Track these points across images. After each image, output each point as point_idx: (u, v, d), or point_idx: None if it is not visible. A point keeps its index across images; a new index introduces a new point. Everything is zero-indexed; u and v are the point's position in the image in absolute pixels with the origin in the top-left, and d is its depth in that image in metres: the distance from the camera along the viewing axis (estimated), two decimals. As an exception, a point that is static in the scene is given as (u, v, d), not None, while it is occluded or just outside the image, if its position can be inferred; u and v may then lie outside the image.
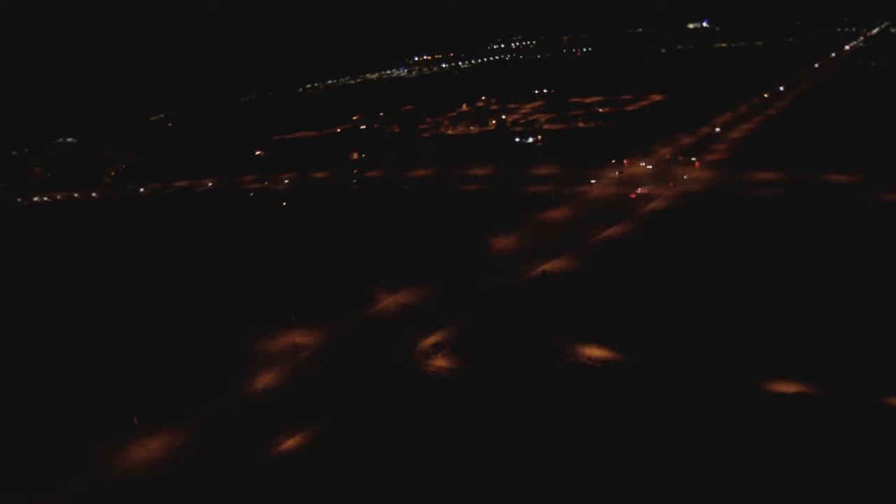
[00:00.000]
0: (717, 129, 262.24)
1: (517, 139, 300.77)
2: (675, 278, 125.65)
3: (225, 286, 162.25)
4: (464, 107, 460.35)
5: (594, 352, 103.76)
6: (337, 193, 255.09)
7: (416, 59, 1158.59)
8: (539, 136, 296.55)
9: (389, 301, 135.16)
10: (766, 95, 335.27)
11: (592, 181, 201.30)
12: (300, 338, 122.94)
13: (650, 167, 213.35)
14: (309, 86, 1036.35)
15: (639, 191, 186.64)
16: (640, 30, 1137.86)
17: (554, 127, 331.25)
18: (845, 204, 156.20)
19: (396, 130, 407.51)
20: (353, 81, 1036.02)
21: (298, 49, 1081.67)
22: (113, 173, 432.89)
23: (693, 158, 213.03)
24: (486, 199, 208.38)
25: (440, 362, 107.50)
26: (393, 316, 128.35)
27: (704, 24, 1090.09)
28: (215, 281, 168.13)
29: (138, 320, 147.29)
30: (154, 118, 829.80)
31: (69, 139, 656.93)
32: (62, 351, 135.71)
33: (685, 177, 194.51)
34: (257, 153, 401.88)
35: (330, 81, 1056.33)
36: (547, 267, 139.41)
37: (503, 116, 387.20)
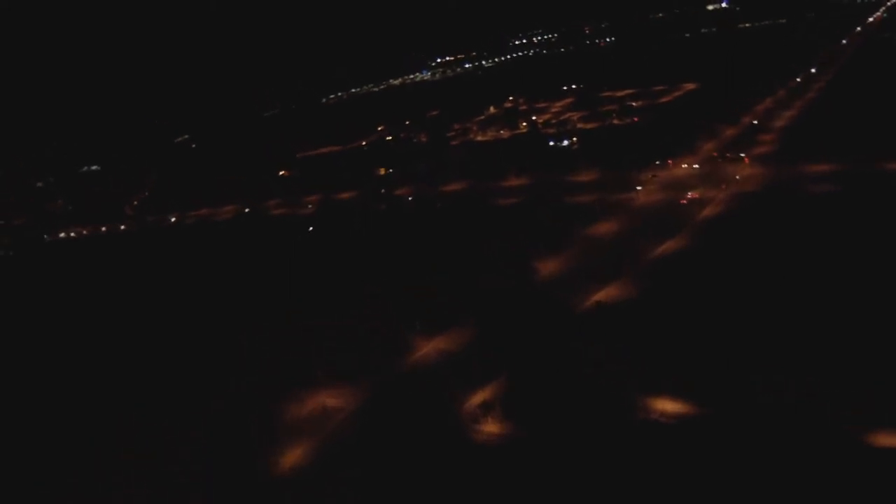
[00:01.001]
0: (759, 119, 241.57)
1: (551, 142, 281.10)
2: (748, 303, 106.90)
3: (245, 333, 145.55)
4: (491, 109, 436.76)
5: (667, 405, 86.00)
6: (364, 216, 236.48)
7: (439, 60, 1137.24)
8: (574, 138, 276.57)
9: (429, 347, 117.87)
10: (798, 80, 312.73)
11: (638, 187, 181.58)
12: (331, 399, 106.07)
13: (697, 166, 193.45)
14: (333, 95, 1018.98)
15: (689, 195, 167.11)
16: (661, 14, 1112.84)
17: (588, 126, 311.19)
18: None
19: (424, 140, 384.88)
20: (376, 89, 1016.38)
21: (320, 59, 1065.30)
22: (135, 202, 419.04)
23: (742, 154, 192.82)
24: (525, 215, 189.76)
25: (491, 427, 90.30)
26: (433, 367, 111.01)
27: (724, 5, 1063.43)
28: (234, 327, 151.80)
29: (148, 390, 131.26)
30: (179, 139, 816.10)
31: (93, 167, 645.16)
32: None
33: (737, 176, 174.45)
34: (281, 173, 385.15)
35: (354, 90, 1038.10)
36: (601, 297, 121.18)
37: (533, 117, 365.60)
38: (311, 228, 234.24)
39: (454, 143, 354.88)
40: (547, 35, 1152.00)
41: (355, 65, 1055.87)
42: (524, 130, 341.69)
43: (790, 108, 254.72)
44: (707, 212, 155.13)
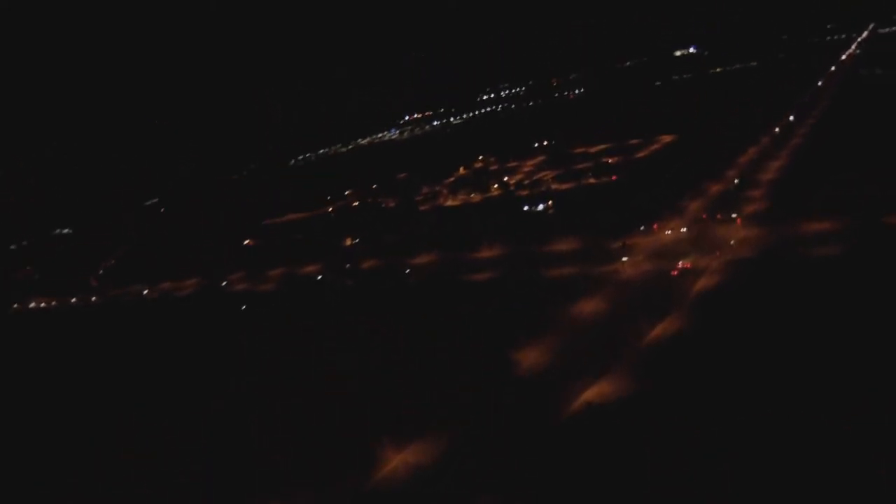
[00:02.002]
0: (745, 172, 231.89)
1: (525, 207, 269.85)
2: (762, 401, 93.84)
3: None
4: (461, 170, 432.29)
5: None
6: (329, 294, 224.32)
7: (407, 118, 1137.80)
8: (549, 202, 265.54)
9: (397, 461, 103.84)
10: (780, 126, 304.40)
11: (623, 258, 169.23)
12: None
13: (684, 230, 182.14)
14: (301, 157, 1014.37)
15: (680, 265, 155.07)
16: (629, 63, 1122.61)
17: (562, 186, 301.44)
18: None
19: (392, 205, 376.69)
20: (344, 149, 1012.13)
21: (290, 118, 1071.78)
22: (101, 272, 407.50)
23: (733, 215, 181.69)
24: (500, 292, 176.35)
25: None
26: (402, 486, 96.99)
27: (692, 51, 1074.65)
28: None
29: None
30: (150, 202, 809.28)
31: (65, 230, 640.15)
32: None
33: (731, 241, 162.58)
34: (246, 242, 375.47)
35: (322, 150, 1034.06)
36: (591, 396, 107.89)
37: (505, 178, 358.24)
38: (244, 307, 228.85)
39: (424, 207, 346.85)
40: (515, 89, 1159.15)
41: (325, 125, 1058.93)
42: (496, 193, 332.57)
43: (776, 157, 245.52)
44: (702, 284, 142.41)
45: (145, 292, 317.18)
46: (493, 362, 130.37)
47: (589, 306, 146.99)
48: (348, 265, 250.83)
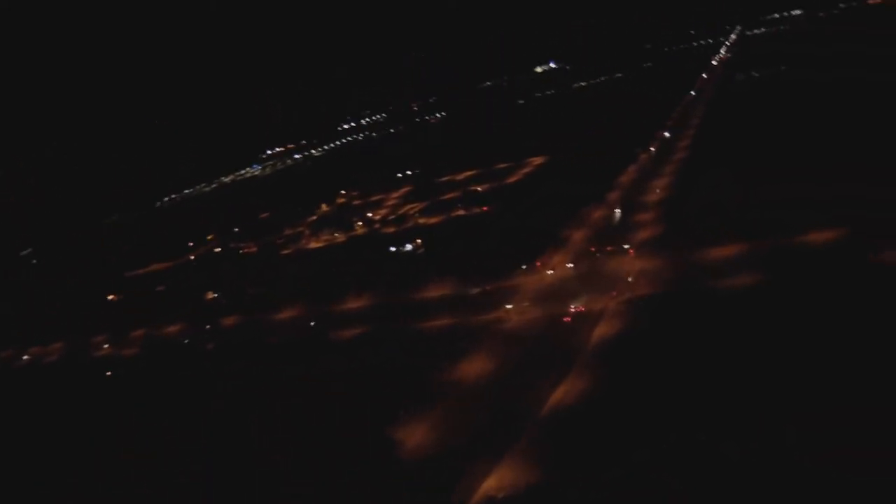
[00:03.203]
0: (629, 194, 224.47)
1: (392, 248, 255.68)
2: (691, 478, 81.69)
3: None
4: (323, 207, 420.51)
5: None
6: (189, 360, 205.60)
7: (269, 152, 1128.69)
8: (418, 241, 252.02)
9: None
10: (658, 140, 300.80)
11: (507, 306, 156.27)
12: None
13: (572, 265, 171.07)
14: (166, 198, 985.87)
15: (573, 308, 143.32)
16: (488, 83, 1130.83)
17: (431, 220, 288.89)
18: (855, 279, 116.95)
19: (254, 250, 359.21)
20: (208, 188, 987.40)
21: (152, 156, 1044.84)
22: None
23: (625, 245, 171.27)
24: (371, 353, 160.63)
25: None
26: None
27: (552, 65, 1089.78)
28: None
29: None
30: (24, 252, 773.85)
31: None
32: None
33: (628, 277, 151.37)
34: (110, 297, 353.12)
35: (187, 191, 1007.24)
36: (492, 489, 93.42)
37: (369, 214, 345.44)
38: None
39: (286, 251, 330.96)
40: (375, 116, 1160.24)
41: (188, 163, 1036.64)
42: (361, 232, 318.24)
43: (660, 174, 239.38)
44: (601, 331, 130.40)
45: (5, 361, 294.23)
46: (370, 444, 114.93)
47: (474, 366, 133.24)
48: (208, 326, 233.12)
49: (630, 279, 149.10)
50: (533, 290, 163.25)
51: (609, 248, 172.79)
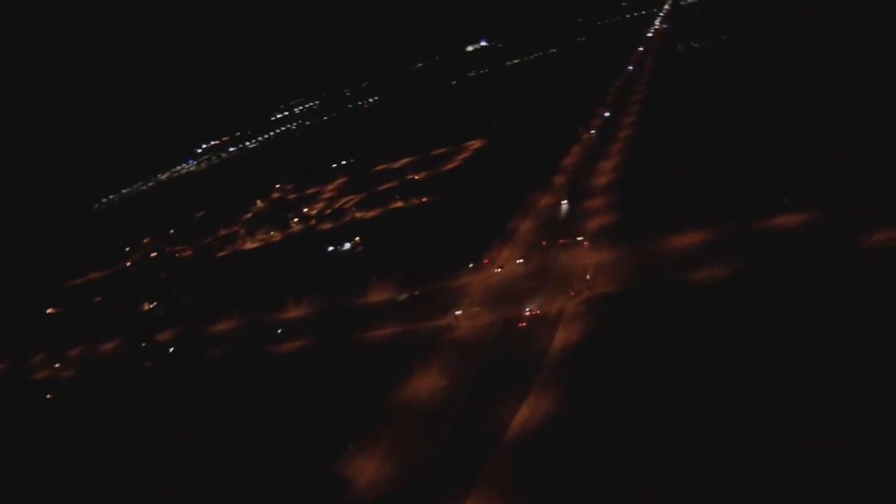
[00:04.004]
0: (576, 178, 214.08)
1: (330, 248, 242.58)
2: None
3: None
4: (258, 203, 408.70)
5: None
6: (126, 381, 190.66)
7: (204, 146, 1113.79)
8: (356, 238, 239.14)
9: None
10: (600, 118, 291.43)
11: (457, 312, 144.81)
12: None
13: (522, 261, 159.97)
14: (104, 199, 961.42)
15: (528, 312, 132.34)
16: (420, 64, 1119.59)
17: (368, 214, 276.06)
18: (831, 265, 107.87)
19: (189, 254, 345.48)
20: (144, 187, 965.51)
21: (87, 157, 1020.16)
22: None
23: (579, 237, 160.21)
24: (313, 369, 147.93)
25: None
26: None
27: (483, 44, 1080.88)
28: None
29: None
30: None
31: None
32: None
33: (585, 274, 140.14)
34: (49, 311, 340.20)
35: (124, 190, 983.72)
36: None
37: (305, 209, 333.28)
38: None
39: (222, 253, 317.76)
40: (308, 103, 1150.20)
41: (124, 164, 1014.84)
42: (297, 229, 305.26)
43: (606, 155, 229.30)
44: (562, 337, 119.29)
45: None
46: (320, 482, 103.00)
47: (426, 383, 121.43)
48: (144, 343, 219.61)
49: (588, 276, 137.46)
50: (482, 291, 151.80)
51: (561, 241, 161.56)
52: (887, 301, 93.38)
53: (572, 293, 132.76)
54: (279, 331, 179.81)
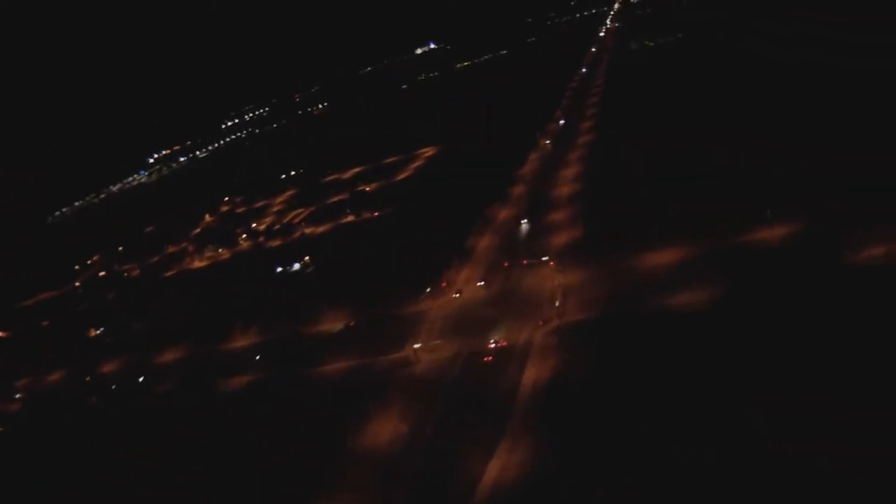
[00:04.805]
0: (536, 189, 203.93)
1: (279, 269, 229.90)
2: None
3: None
4: (207, 217, 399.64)
5: None
6: (72, 413, 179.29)
7: (155, 156, 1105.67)
8: (306, 258, 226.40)
9: None
10: (556, 123, 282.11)
11: (416, 345, 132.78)
12: None
13: (483, 283, 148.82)
14: (57, 213, 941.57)
15: (493, 344, 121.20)
16: (369, 68, 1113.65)
17: (318, 230, 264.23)
18: (819, 288, 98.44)
19: (136, 273, 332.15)
20: (97, 199, 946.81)
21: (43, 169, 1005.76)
22: None
23: (544, 257, 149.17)
24: (261, 410, 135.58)
25: None
26: None
27: (432, 46, 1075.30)
28: None
29: None
30: None
31: None
32: None
33: (554, 301, 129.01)
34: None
35: (77, 203, 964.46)
36: None
37: (254, 224, 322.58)
38: None
39: (170, 273, 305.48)
40: (258, 110, 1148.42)
41: (77, 175, 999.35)
42: (245, 246, 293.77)
43: (566, 163, 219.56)
44: (531, 375, 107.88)
45: None
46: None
47: (384, 428, 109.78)
48: (88, 378, 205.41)
49: (556, 301, 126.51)
50: (441, 320, 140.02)
51: (525, 261, 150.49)
52: (877, 333, 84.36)
53: (540, 322, 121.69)
54: (226, 365, 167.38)
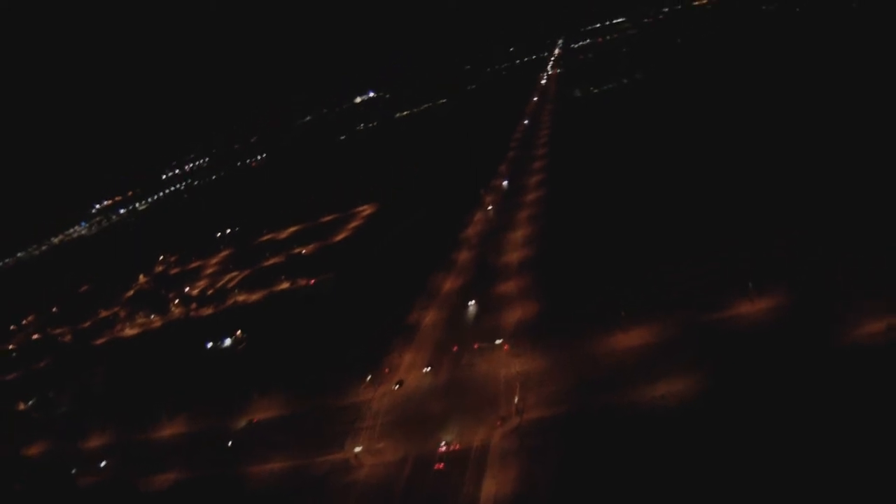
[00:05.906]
0: (480, 253, 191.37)
1: (209, 344, 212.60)
2: None
3: None
4: (141, 278, 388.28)
5: None
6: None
7: (97, 207, 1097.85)
8: (238, 333, 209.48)
9: None
10: (501, 180, 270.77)
11: (357, 448, 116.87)
12: None
13: (429, 369, 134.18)
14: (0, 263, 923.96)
15: (443, 447, 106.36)
16: (308, 117, 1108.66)
17: (252, 297, 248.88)
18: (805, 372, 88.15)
19: (68, 339, 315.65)
20: (37, 251, 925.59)
21: None
22: None
23: (498, 340, 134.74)
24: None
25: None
26: None
27: (371, 95, 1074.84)
28: None
29: None
30: None
31: None
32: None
33: (514, 396, 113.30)
34: None
35: (19, 254, 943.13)
36: None
37: (186, 289, 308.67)
38: None
39: (101, 340, 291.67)
40: (199, 160, 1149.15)
41: (20, 225, 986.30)
42: (177, 314, 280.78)
43: (514, 225, 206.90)
44: (491, 489, 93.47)
45: None
46: None
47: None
48: (15, 457, 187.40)
49: (515, 397, 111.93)
50: (384, 415, 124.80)
51: (476, 345, 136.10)
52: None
53: (498, 421, 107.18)
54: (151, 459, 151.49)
